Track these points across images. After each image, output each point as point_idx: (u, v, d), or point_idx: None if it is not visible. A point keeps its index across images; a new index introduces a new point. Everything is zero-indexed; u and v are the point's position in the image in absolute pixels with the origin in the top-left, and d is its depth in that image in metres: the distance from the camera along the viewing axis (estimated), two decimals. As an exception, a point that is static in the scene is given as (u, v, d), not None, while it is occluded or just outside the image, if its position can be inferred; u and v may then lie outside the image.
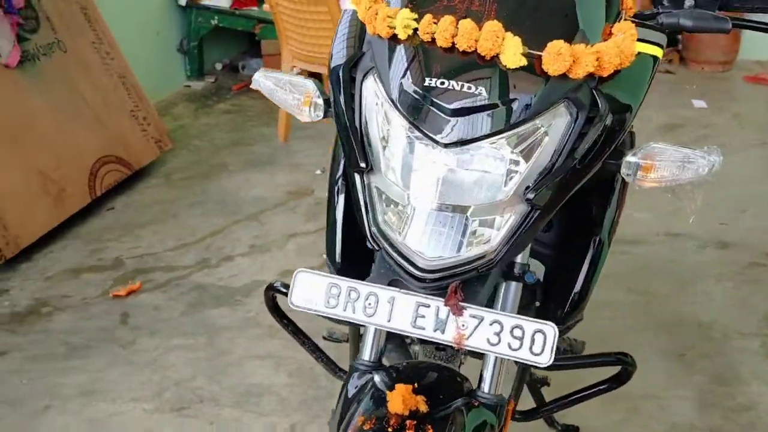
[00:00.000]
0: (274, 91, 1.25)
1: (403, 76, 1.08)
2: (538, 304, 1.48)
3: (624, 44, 1.07)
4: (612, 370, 1.67)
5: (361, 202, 1.13)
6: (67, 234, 3.47)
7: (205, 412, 2.35)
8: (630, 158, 1.13)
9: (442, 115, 1.03)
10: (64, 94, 3.62)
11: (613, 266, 3.06)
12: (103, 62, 3.90)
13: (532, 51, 1.03)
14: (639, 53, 1.14)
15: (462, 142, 1.03)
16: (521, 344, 1.07)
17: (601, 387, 1.68)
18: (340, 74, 1.16)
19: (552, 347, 1.06)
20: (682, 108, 4.91)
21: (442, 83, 1.04)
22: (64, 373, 2.55)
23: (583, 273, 1.35)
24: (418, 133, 1.05)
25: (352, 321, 1.13)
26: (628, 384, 2.40)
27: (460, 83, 1.03)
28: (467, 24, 1.02)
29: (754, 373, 2.45)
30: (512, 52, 1.01)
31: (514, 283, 1.27)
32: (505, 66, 1.03)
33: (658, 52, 1.19)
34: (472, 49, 1.03)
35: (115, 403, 2.40)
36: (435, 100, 1.04)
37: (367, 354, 1.27)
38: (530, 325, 1.07)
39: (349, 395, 1.25)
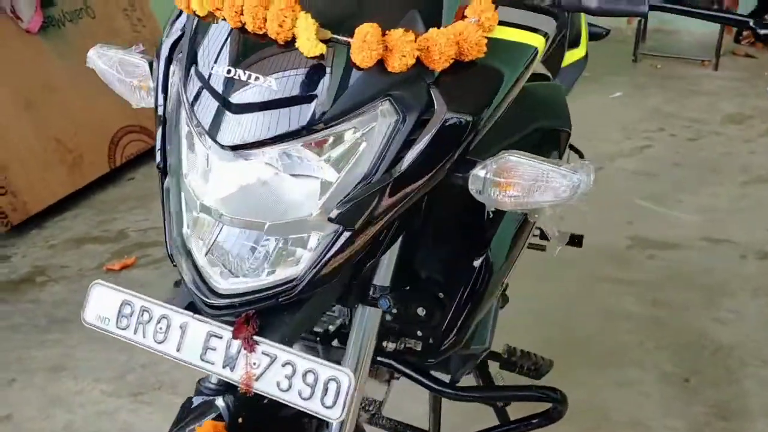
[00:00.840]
0: (105, 72, 1.10)
1: (196, 61, 0.90)
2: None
3: (467, 31, 0.85)
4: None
5: (163, 208, 0.97)
6: (83, 202, 3.47)
7: (161, 398, 2.26)
8: (478, 172, 0.91)
9: (226, 110, 0.85)
10: (89, 61, 3.59)
11: (641, 273, 2.81)
12: (134, 29, 3.86)
13: (337, 36, 0.83)
14: (507, 41, 0.93)
15: (247, 145, 0.85)
16: (312, 393, 0.88)
17: (532, 421, 1.47)
18: (160, 55, 1.00)
19: (345, 399, 0.87)
20: (756, 97, 4.45)
21: (229, 72, 0.85)
22: (40, 345, 2.52)
23: (462, 297, 1.13)
24: (204, 132, 0.88)
25: (142, 347, 0.97)
26: (614, 408, 2.17)
27: (248, 73, 0.84)
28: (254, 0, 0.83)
29: (765, 408, 2.13)
30: (305, 37, 0.81)
31: (370, 308, 1.08)
32: (304, 53, 0.83)
33: (535, 40, 0.96)
34: (263, 30, 0.84)
35: (78, 381, 2.35)
36: (219, 92, 0.86)
37: (214, 376, 1.11)
38: (325, 370, 0.88)
39: (184, 415, 1.10)
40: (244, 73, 0.84)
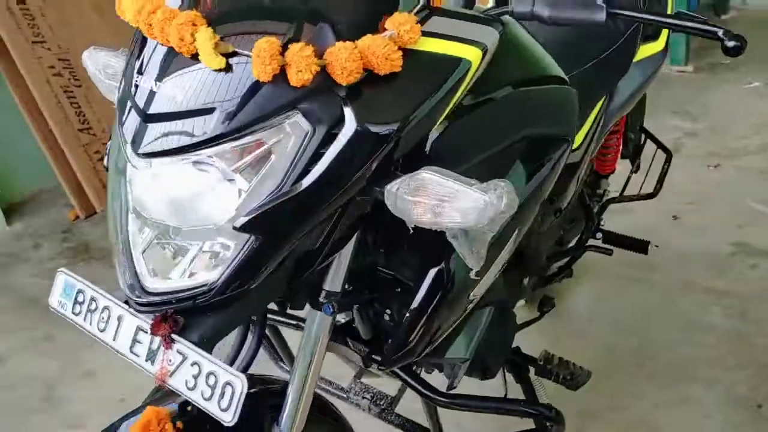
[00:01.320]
0: (93, 74, 1.16)
1: (131, 69, 0.94)
2: None
3: (375, 44, 0.83)
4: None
5: (107, 206, 1.03)
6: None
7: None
8: (392, 187, 0.89)
9: (141, 119, 0.89)
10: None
11: (737, 283, 2.59)
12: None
13: (239, 50, 0.84)
14: (434, 54, 0.90)
15: (157, 154, 0.88)
16: (212, 394, 0.91)
17: None
18: (127, 60, 1.05)
19: (237, 404, 0.89)
20: None
21: (146, 82, 0.89)
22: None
23: (419, 306, 1.10)
24: (125, 138, 0.92)
25: (89, 334, 1.04)
26: (668, 427, 2.03)
27: (159, 83, 0.87)
28: (161, 12, 0.85)
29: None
30: (204, 51, 0.83)
31: (319, 313, 1.09)
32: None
33: (470, 53, 0.91)
34: (169, 44, 0.86)
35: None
36: (137, 101, 0.90)
37: None
38: (223, 374, 0.90)
39: (154, 393, 1.18)
40: (156, 84, 0.88)
